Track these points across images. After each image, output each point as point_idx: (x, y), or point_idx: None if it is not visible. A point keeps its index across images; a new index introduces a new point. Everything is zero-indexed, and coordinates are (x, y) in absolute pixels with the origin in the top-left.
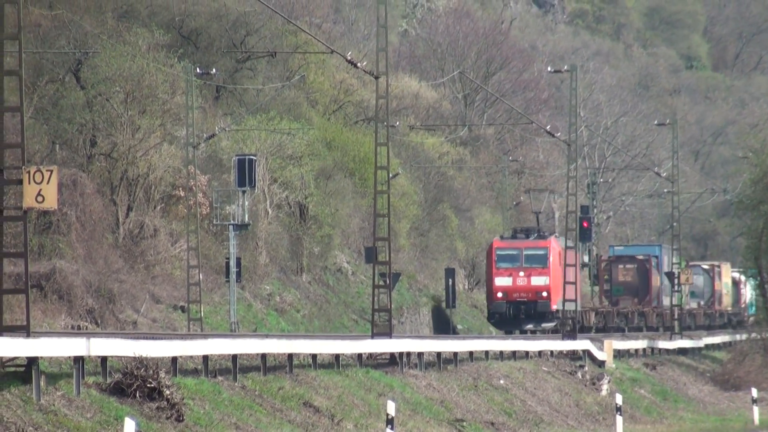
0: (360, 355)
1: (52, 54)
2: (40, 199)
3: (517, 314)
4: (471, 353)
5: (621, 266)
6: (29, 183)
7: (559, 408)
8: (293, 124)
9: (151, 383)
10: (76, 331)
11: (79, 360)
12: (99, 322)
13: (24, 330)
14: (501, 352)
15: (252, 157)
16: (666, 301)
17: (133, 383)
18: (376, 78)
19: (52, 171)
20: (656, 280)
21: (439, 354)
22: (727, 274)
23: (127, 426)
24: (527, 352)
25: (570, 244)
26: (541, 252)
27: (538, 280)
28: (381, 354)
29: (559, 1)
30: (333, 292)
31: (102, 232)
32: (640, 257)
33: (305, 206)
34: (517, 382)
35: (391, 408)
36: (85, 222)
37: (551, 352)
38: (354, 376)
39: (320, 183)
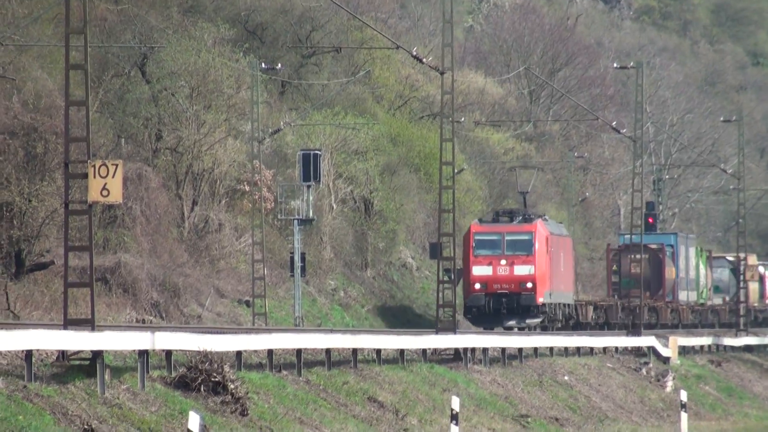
0: (424, 351)
1: (118, 48)
2: (105, 192)
3: (498, 308)
4: (535, 349)
5: (631, 256)
6: (94, 177)
7: (624, 404)
8: (358, 119)
9: (215, 377)
10: (140, 325)
11: (143, 354)
12: (164, 315)
13: (89, 323)
14: (565, 348)
15: (317, 151)
16: (683, 296)
17: (197, 377)
18: (442, 73)
19: (117, 165)
20: (671, 272)
21: (503, 349)
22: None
23: (192, 420)
24: (592, 349)
25: (636, 240)
26: (526, 237)
27: (521, 270)
28: (445, 349)
29: None
30: (397, 287)
31: (167, 226)
32: (653, 246)
33: (370, 201)
34: (582, 378)
35: (455, 403)
36: (150, 216)
37: (616, 348)
38: (418, 372)
39: (385, 178)
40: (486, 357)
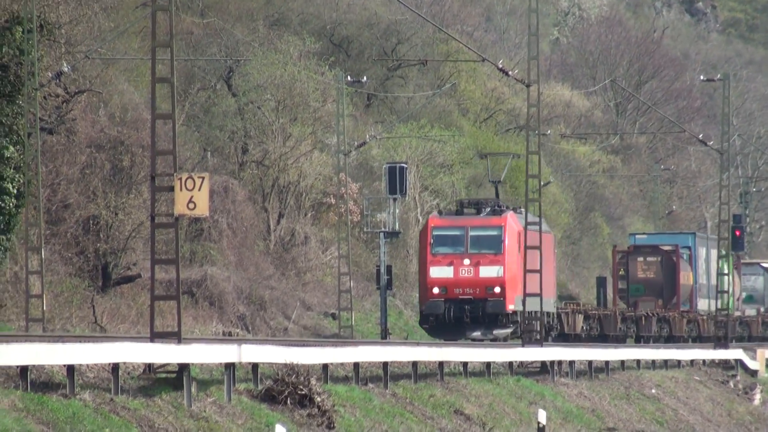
0: (511, 363)
1: (204, 61)
2: (191, 206)
3: (460, 317)
4: (622, 362)
5: (641, 259)
6: (181, 190)
7: (711, 418)
8: (444, 132)
9: (302, 390)
10: (227, 338)
11: (230, 366)
12: (250, 328)
13: (175, 336)
14: (653, 361)
15: (403, 164)
16: (702, 305)
17: (284, 390)
18: (528, 86)
19: (203, 178)
20: (687, 277)
21: (590, 362)
22: None
23: None
24: (679, 361)
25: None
26: (494, 233)
27: (488, 271)
28: (532, 362)
29: (711, 10)
30: None
31: (253, 239)
32: (666, 248)
33: None
34: (669, 392)
35: (542, 416)
36: (237, 229)
37: (703, 361)
38: (505, 384)
39: (471, 191)
40: (572, 370)
